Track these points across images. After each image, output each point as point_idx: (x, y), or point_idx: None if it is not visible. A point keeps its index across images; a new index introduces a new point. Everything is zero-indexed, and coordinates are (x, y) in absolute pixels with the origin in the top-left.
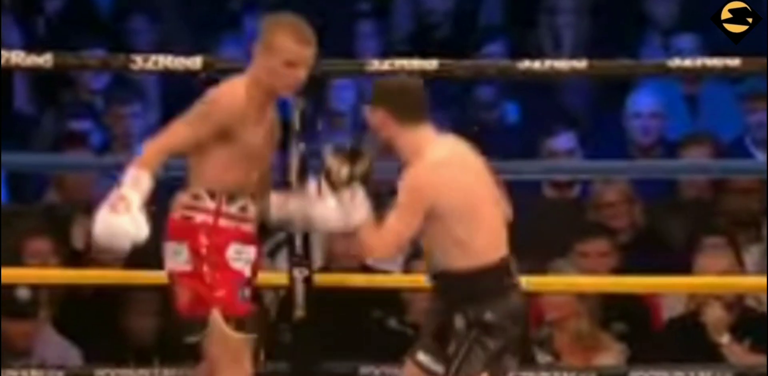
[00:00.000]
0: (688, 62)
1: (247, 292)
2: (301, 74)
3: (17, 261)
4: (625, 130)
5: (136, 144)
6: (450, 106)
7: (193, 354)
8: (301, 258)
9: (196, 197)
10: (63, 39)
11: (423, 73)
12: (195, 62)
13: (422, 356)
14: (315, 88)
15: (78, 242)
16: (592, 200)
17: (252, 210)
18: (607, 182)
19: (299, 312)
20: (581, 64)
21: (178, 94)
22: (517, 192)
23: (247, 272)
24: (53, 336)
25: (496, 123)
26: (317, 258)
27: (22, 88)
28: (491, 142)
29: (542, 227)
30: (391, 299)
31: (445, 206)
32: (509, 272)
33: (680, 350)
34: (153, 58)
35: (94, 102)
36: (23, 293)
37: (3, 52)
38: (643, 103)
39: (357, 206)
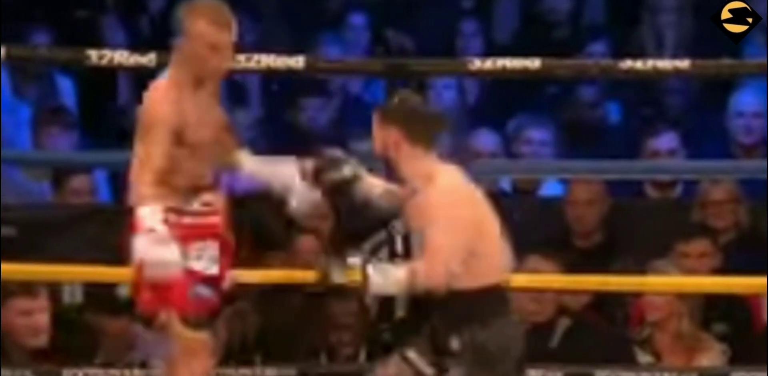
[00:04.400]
0: None
1: (205, 290)
2: (227, 56)
3: (119, 260)
4: (728, 130)
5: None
6: (552, 106)
7: (295, 352)
8: (402, 258)
9: (161, 196)
10: (166, 38)
11: (525, 73)
12: (298, 61)
13: (412, 354)
14: (416, 86)
15: None
16: (697, 199)
17: (217, 202)
18: (715, 182)
19: (400, 312)
20: (684, 63)
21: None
22: (619, 192)
23: (209, 270)
24: (152, 335)
25: (598, 123)
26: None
27: (126, 88)
28: (593, 143)
29: (644, 227)
30: None
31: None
32: (506, 298)
33: None
34: (255, 57)
35: None
36: (123, 292)
37: (107, 51)
38: (746, 102)
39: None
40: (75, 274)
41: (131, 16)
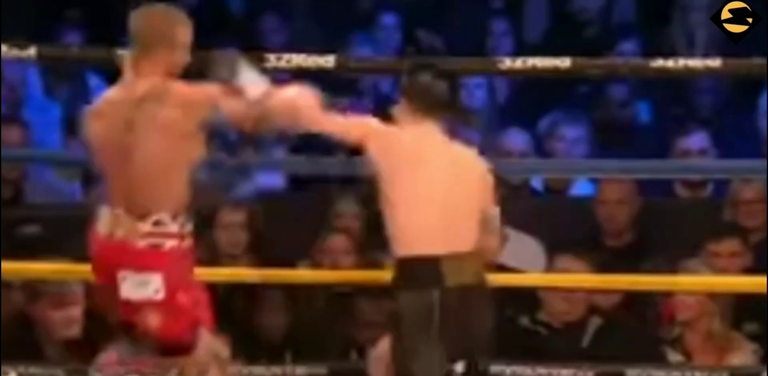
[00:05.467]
0: None
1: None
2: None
3: None
4: (759, 129)
5: (268, 143)
6: (582, 105)
7: (325, 351)
8: None
9: (158, 223)
10: (196, 38)
11: (555, 72)
12: (328, 61)
13: None
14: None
15: (221, 243)
16: (728, 198)
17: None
18: (745, 181)
19: None
20: (715, 62)
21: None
22: (650, 192)
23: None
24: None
25: (628, 122)
26: None
27: None
28: (624, 142)
29: (674, 227)
30: (524, 297)
31: (390, 162)
32: (435, 270)
33: None
34: (286, 56)
35: None
36: None
37: None
38: None
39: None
40: None
41: None
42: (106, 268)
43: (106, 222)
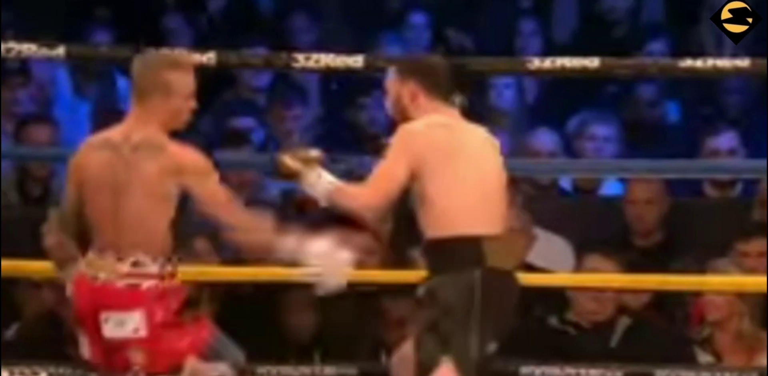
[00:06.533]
0: None
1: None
2: (194, 103)
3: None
4: None
5: (297, 143)
6: (611, 105)
7: (354, 351)
8: None
9: (136, 263)
10: (225, 37)
11: (584, 72)
12: (357, 61)
13: None
14: (475, 85)
15: None
16: (757, 198)
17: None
18: None
19: None
20: (744, 62)
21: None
22: (679, 191)
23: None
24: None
25: (657, 122)
26: None
27: None
28: (653, 142)
29: (703, 227)
30: (553, 297)
31: (429, 162)
32: (478, 251)
33: None
34: (315, 56)
35: (256, 100)
36: None
37: (166, 50)
38: None
39: (320, 183)
40: None
41: (191, 16)
42: (89, 311)
43: (90, 264)
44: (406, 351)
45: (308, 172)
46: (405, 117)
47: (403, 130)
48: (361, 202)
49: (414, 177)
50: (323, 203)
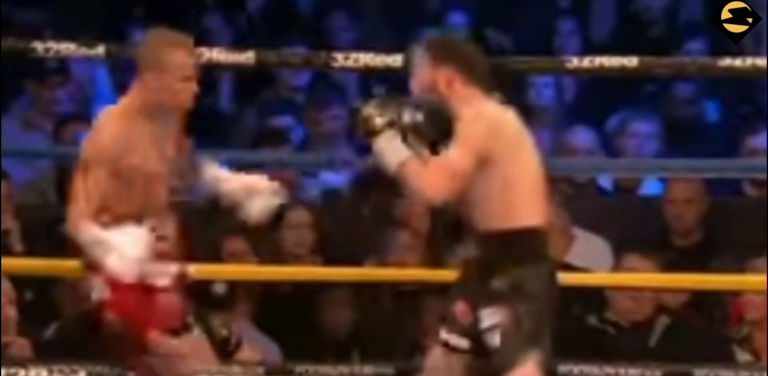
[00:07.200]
0: None
1: (174, 302)
2: (194, 87)
3: (215, 257)
4: None
5: (336, 142)
6: (649, 104)
7: (392, 350)
8: None
9: (104, 225)
10: (265, 36)
11: (623, 71)
12: (396, 60)
13: (445, 334)
14: (514, 84)
15: (287, 243)
16: None
17: (164, 228)
18: None
19: None
20: None
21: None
22: (718, 191)
23: (168, 284)
24: (253, 333)
25: (696, 121)
26: None
27: (227, 89)
28: (692, 141)
29: (742, 226)
30: (592, 297)
31: (503, 155)
32: (543, 241)
33: None
34: (354, 55)
35: (294, 99)
36: (219, 288)
37: (206, 49)
38: None
39: (396, 151)
40: None
41: (231, 15)
42: None
43: None
44: (435, 358)
45: (385, 135)
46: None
47: (474, 119)
48: (426, 187)
49: (481, 166)
50: (389, 170)
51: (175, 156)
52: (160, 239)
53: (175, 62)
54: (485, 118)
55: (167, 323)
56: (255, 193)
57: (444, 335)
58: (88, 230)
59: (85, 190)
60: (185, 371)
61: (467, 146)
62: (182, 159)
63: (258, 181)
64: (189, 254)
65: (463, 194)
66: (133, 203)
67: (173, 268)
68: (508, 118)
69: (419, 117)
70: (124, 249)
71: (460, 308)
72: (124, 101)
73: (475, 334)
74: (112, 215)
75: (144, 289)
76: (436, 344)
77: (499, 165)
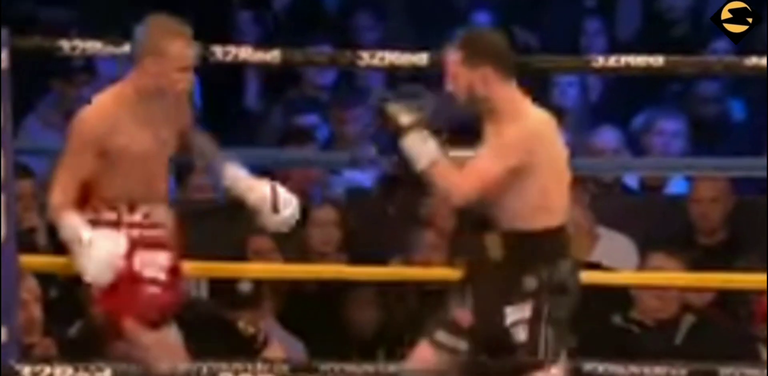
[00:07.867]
0: None
1: (159, 295)
2: (191, 76)
3: (241, 256)
4: None
5: (360, 141)
6: (675, 103)
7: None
8: None
9: (95, 209)
10: (291, 35)
11: (648, 70)
12: (421, 59)
13: (442, 336)
14: (538, 83)
15: (313, 240)
16: None
17: (158, 215)
18: None
19: None
20: None
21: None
22: (744, 190)
23: (160, 276)
24: (278, 331)
25: (722, 120)
26: None
27: (253, 88)
28: (717, 140)
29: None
30: (617, 295)
31: (541, 160)
32: (568, 240)
33: None
34: (379, 54)
35: (320, 97)
36: (245, 286)
37: (232, 48)
38: None
39: (427, 149)
40: (198, 269)
41: (257, 14)
42: None
43: None
44: (422, 359)
45: (415, 133)
46: (478, 104)
47: (518, 130)
48: (455, 188)
49: (518, 176)
50: (418, 168)
51: (174, 140)
52: (153, 226)
53: (173, 51)
54: (527, 131)
55: (147, 314)
56: (274, 205)
57: (441, 336)
58: (68, 222)
59: (70, 174)
60: (155, 364)
61: (503, 156)
62: (187, 137)
63: (276, 193)
64: (182, 251)
65: (493, 198)
66: (123, 187)
67: (165, 258)
68: (548, 126)
69: (436, 113)
70: (98, 253)
71: (460, 311)
72: (119, 85)
73: (481, 335)
74: (101, 200)
75: (129, 277)
76: (423, 345)
77: (537, 176)
